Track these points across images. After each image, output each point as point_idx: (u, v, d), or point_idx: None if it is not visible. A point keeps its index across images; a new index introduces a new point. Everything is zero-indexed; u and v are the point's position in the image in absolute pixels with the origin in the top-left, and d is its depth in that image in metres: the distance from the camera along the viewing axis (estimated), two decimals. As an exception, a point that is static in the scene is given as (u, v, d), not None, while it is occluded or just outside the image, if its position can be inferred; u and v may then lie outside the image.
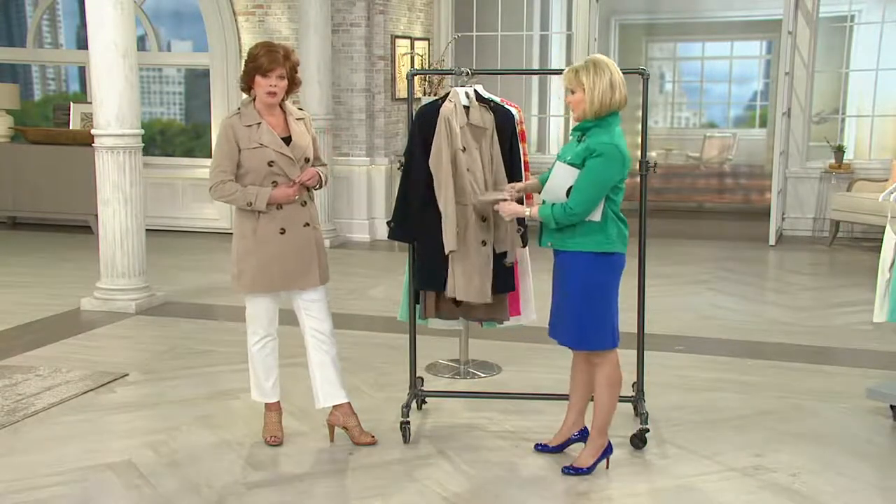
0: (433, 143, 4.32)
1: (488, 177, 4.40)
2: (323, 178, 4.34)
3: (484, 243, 4.37)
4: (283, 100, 4.27)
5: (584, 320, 3.96)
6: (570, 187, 3.83)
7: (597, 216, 3.85)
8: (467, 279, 4.33)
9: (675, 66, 16.42)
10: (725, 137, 15.04)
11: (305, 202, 4.32)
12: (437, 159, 4.31)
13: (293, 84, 4.25)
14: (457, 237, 4.28)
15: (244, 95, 4.33)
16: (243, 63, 4.26)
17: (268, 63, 4.13)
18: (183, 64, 11.41)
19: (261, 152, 4.17)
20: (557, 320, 4.07)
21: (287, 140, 4.23)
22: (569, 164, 3.86)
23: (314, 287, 4.32)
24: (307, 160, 4.30)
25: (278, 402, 4.51)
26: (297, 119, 4.31)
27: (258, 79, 4.16)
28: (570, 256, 3.94)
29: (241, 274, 4.29)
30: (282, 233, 4.23)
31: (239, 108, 4.27)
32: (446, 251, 4.30)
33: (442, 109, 4.33)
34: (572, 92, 3.89)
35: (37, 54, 11.69)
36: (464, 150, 4.31)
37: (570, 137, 4.04)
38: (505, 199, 4.11)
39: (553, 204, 3.88)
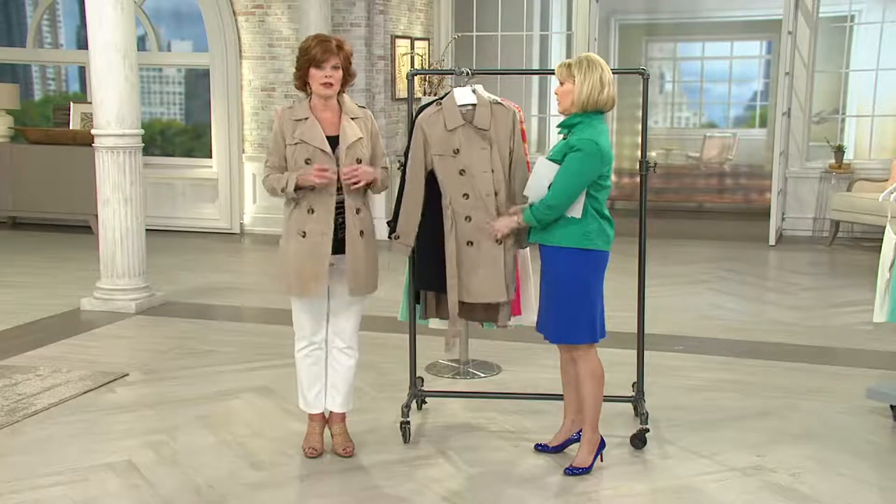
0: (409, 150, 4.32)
1: (498, 176, 4.32)
2: (379, 180, 4.15)
3: (498, 242, 4.28)
4: (340, 93, 4.12)
5: (562, 314, 4.02)
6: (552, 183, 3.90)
7: (577, 212, 3.91)
8: (478, 280, 4.28)
9: (675, 66, 16.39)
10: (725, 137, 15.01)
11: (359, 209, 4.15)
12: (411, 164, 4.31)
13: (348, 75, 4.11)
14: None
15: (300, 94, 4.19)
16: (295, 60, 4.10)
17: (321, 53, 3.99)
18: (183, 64, 11.40)
19: (301, 148, 4.05)
20: (541, 314, 4.13)
21: (336, 139, 4.09)
22: (550, 160, 3.93)
23: (319, 296, 4.16)
24: (359, 161, 4.10)
25: (322, 413, 4.36)
26: (353, 118, 4.14)
27: (312, 71, 4.02)
28: (550, 251, 4.01)
29: (275, 273, 4.25)
30: (302, 236, 4.10)
31: (294, 102, 4.19)
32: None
33: (419, 118, 4.30)
34: (561, 83, 3.97)
35: (37, 54, 11.68)
36: (456, 152, 4.23)
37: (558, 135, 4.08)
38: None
39: (532, 205, 3.96)
